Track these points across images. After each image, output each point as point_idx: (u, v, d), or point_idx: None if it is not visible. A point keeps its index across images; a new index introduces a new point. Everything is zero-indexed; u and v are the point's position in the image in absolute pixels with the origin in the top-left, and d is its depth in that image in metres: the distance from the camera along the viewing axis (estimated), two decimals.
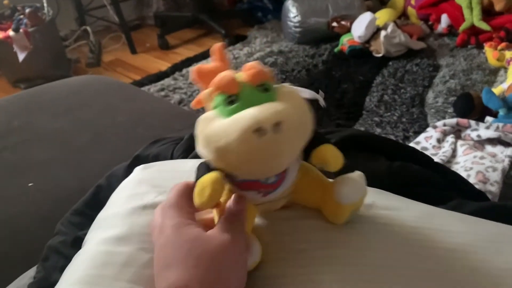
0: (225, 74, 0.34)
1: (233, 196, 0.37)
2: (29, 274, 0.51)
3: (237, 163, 0.32)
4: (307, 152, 0.36)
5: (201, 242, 0.33)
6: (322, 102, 0.45)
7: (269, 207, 0.40)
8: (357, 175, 0.38)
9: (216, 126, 0.33)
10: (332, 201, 0.38)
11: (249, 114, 0.31)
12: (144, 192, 0.47)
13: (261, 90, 0.34)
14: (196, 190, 0.34)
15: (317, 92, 0.50)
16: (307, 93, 0.42)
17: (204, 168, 0.35)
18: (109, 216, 0.47)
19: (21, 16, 2.09)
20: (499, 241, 0.40)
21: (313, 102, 0.46)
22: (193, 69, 0.38)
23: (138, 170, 0.53)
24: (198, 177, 0.35)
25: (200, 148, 0.34)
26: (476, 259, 0.37)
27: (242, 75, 0.35)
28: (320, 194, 0.39)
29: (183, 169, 0.51)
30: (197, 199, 0.34)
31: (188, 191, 0.37)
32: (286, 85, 0.36)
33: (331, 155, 0.36)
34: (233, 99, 0.33)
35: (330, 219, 0.40)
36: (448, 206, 0.48)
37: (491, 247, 0.38)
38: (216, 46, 0.40)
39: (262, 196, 0.36)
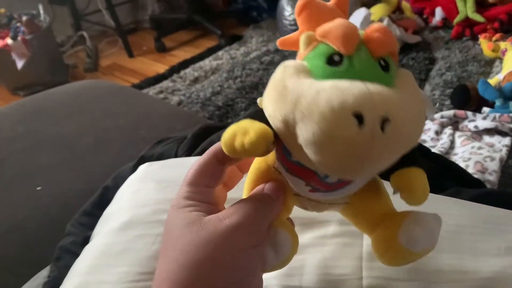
0: (345, 24, 0.25)
1: (270, 182, 0.30)
2: (43, 274, 0.52)
3: (308, 141, 0.24)
4: (387, 170, 0.27)
5: (191, 230, 0.27)
6: (431, 112, 0.36)
7: (306, 204, 0.32)
8: (435, 219, 0.30)
9: (305, 84, 0.24)
10: (393, 238, 0.29)
11: (353, 89, 0.23)
12: (147, 188, 0.49)
13: (379, 65, 0.25)
14: (232, 129, 0.26)
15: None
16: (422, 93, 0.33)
17: (259, 116, 0.27)
18: (113, 211, 0.48)
19: (18, 24, 2.10)
20: (497, 222, 0.41)
21: None
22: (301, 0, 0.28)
23: (143, 167, 0.54)
24: (246, 117, 0.27)
25: (268, 98, 0.26)
26: (473, 239, 0.39)
27: (366, 35, 0.26)
28: (377, 219, 0.31)
29: (186, 164, 0.52)
30: (227, 140, 0.26)
31: (212, 165, 0.31)
32: (409, 72, 0.27)
33: (419, 185, 0.27)
34: (340, 59, 0.25)
35: (378, 255, 0.31)
36: (447, 193, 0.50)
37: (488, 227, 0.40)
38: None
39: (308, 191, 0.29)
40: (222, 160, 0.31)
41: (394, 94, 0.24)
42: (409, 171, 0.27)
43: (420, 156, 0.29)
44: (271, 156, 0.31)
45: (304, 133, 0.23)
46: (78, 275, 0.41)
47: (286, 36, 0.30)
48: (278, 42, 0.31)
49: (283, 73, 0.26)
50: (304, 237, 0.39)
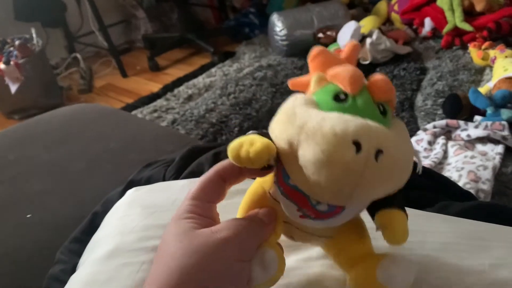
0: (354, 69, 0.29)
1: (264, 208, 0.33)
2: None
3: (308, 162, 0.26)
4: (373, 208, 0.30)
5: (184, 238, 0.29)
6: (419, 166, 0.39)
7: (293, 233, 0.35)
8: (411, 261, 0.32)
9: (313, 112, 0.27)
10: (370, 276, 0.31)
11: (355, 121, 0.26)
12: (134, 213, 0.49)
13: (378, 109, 0.29)
14: (239, 141, 0.29)
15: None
16: None
17: (264, 135, 0.30)
18: (99, 239, 0.48)
19: (11, 49, 2.11)
20: (482, 238, 0.41)
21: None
22: (315, 48, 0.32)
23: (130, 192, 0.54)
24: (251, 133, 0.30)
25: (277, 121, 0.29)
26: (458, 256, 0.39)
27: (369, 81, 0.29)
28: (356, 257, 0.33)
29: (174, 188, 0.53)
30: (233, 150, 0.28)
31: (215, 182, 0.33)
32: (402, 122, 0.30)
33: (399, 228, 0.29)
34: (345, 97, 0.28)
35: None
36: (435, 208, 0.50)
37: (473, 244, 0.40)
38: (352, 44, 0.34)
39: (299, 216, 0.31)
40: (224, 179, 0.33)
41: (390, 132, 0.27)
42: (393, 212, 0.30)
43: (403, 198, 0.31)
44: (268, 182, 0.33)
45: (306, 153, 0.26)
46: None
47: (297, 79, 0.33)
48: (289, 83, 0.34)
49: (294, 101, 0.29)
50: (289, 260, 0.39)
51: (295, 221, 0.32)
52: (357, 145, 0.25)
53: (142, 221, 0.47)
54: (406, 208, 0.45)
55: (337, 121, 0.26)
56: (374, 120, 0.27)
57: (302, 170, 0.27)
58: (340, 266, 0.35)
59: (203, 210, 0.32)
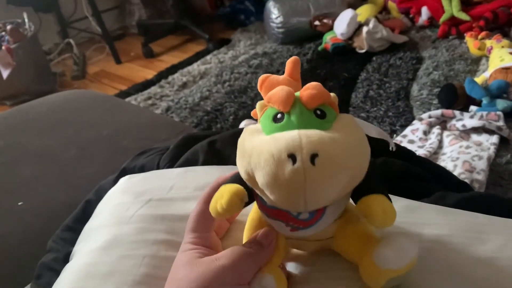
0: (282, 89, 0.32)
1: (264, 228, 0.35)
2: None
3: (263, 185, 0.29)
4: (356, 198, 0.32)
5: (188, 266, 0.34)
6: (392, 144, 0.40)
7: (299, 245, 0.37)
8: (409, 238, 0.33)
9: (254, 140, 0.31)
10: (370, 260, 0.32)
11: (286, 137, 0.29)
12: (128, 202, 0.48)
13: (316, 115, 0.31)
14: (214, 197, 0.33)
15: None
16: (373, 130, 0.37)
17: (234, 178, 0.34)
18: (94, 228, 0.47)
19: (3, 33, 2.08)
20: (477, 230, 0.41)
21: (379, 142, 0.40)
22: (261, 77, 0.36)
23: (123, 180, 0.54)
24: (224, 183, 0.34)
25: (237, 159, 0.32)
26: (454, 249, 0.38)
27: (300, 93, 0.32)
28: (359, 247, 0.34)
29: (168, 177, 0.52)
30: (211, 206, 0.33)
31: (204, 215, 0.37)
32: (351, 116, 0.33)
33: (377, 210, 0.30)
34: (282, 116, 0.31)
35: (364, 280, 0.34)
36: (431, 199, 0.49)
37: (469, 236, 0.40)
38: (292, 59, 0.37)
39: (290, 230, 0.33)
40: None
41: (324, 134, 0.29)
42: (368, 198, 0.31)
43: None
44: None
45: (259, 179, 0.29)
46: None
47: (254, 109, 0.37)
48: (252, 113, 0.37)
49: (243, 135, 0.32)
50: None
51: (290, 236, 0.34)
52: (292, 157, 0.28)
53: (138, 210, 0.46)
54: (403, 199, 0.45)
55: (271, 142, 0.29)
56: (310, 126, 0.30)
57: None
58: (354, 262, 0.35)
59: (202, 240, 0.37)
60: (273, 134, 0.30)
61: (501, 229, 0.41)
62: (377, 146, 0.62)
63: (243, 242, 0.37)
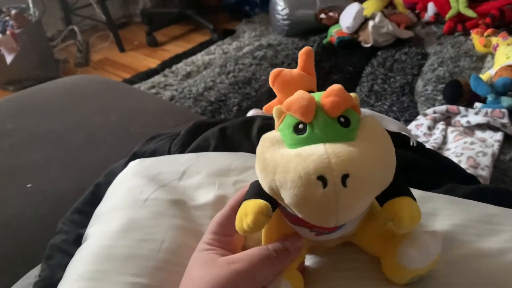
0: (303, 97, 0.30)
1: (292, 234, 0.34)
2: (34, 273, 0.51)
3: (291, 204, 0.28)
4: (381, 199, 0.31)
5: (204, 267, 0.33)
6: (412, 139, 0.39)
7: (320, 243, 0.36)
8: (433, 237, 0.32)
9: (278, 155, 0.29)
10: (393, 258, 0.32)
11: (313, 156, 0.27)
12: (141, 185, 0.48)
13: (340, 123, 0.29)
14: (238, 214, 0.32)
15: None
16: (393, 124, 0.36)
17: (256, 190, 0.32)
18: (108, 210, 0.47)
19: (7, 18, 2.07)
20: (489, 221, 0.41)
21: (399, 137, 0.39)
22: (273, 71, 0.35)
23: (133, 163, 0.54)
24: (247, 197, 0.32)
25: (256, 169, 0.31)
26: (467, 239, 0.38)
27: (321, 100, 0.30)
28: (382, 243, 0.34)
29: (180, 162, 0.52)
30: (237, 224, 0.32)
31: (228, 219, 0.36)
32: (371, 115, 0.31)
33: (405, 215, 0.29)
34: (304, 127, 0.29)
35: (387, 276, 0.34)
36: (441, 190, 0.49)
37: (481, 227, 0.40)
38: (304, 50, 0.36)
39: (315, 235, 0.32)
40: None
41: (352, 150, 0.27)
42: (395, 202, 0.30)
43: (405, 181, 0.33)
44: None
45: (287, 198, 0.28)
46: (82, 280, 0.39)
47: (269, 104, 0.36)
48: (263, 108, 0.36)
49: (262, 146, 0.31)
50: None
51: (314, 240, 0.34)
52: (323, 180, 0.26)
53: (152, 194, 0.46)
54: (415, 190, 0.45)
55: (298, 161, 0.27)
56: (336, 139, 0.28)
57: None
58: (376, 255, 0.35)
59: (221, 243, 0.36)
60: (297, 149, 0.28)
61: None
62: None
63: (262, 241, 0.36)
